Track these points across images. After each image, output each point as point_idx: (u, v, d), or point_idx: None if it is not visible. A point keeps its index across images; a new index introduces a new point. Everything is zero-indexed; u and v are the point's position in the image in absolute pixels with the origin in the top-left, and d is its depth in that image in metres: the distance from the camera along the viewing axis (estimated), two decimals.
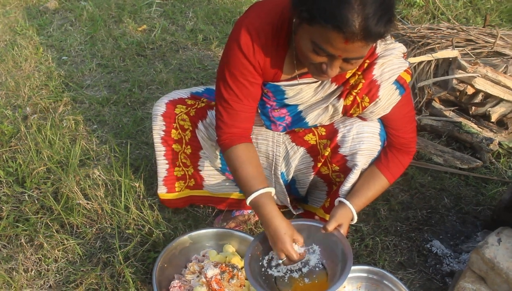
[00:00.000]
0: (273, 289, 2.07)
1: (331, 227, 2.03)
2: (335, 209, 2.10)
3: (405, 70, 1.97)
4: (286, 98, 2.07)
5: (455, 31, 3.95)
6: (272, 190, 2.05)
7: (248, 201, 2.02)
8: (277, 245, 1.98)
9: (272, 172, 2.36)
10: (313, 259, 2.11)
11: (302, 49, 1.73)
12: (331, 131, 2.18)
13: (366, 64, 1.94)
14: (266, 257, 2.12)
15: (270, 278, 2.09)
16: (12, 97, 3.71)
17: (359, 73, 1.95)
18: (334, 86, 2.01)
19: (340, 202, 2.12)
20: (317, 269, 2.09)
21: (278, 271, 2.10)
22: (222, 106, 2.05)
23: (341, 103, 2.02)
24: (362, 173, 2.18)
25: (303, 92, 2.03)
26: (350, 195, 2.15)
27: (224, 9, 5.17)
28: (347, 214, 2.08)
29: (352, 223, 2.13)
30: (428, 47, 3.67)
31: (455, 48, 3.56)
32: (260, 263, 2.12)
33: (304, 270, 2.09)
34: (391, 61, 1.94)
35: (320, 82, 2.00)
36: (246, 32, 1.87)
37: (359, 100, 1.98)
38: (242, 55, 1.91)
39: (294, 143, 2.29)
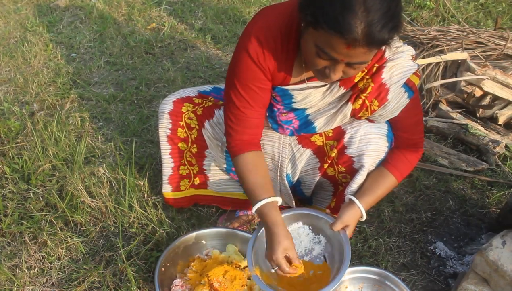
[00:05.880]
0: (271, 271, 2.10)
1: (336, 227, 2.06)
2: (343, 209, 2.11)
3: (414, 73, 1.97)
4: (294, 102, 2.07)
5: (465, 33, 3.92)
6: (278, 200, 2.06)
7: (254, 209, 2.04)
8: (268, 253, 1.99)
9: (278, 174, 2.36)
10: (317, 249, 2.15)
11: (306, 52, 1.74)
12: (338, 132, 2.18)
13: (375, 68, 1.94)
14: None
15: None
16: (20, 93, 3.73)
17: (368, 77, 1.96)
18: (342, 90, 2.01)
19: (349, 200, 2.13)
20: (317, 260, 2.13)
21: None
22: (232, 112, 2.05)
23: (349, 107, 2.02)
24: (369, 173, 2.17)
25: (311, 96, 2.03)
26: (359, 193, 2.14)
27: (234, 9, 5.17)
28: (355, 213, 2.09)
29: (362, 220, 2.14)
30: (437, 49, 3.65)
31: (465, 51, 3.55)
32: (266, 245, 2.14)
33: (306, 258, 2.13)
34: (400, 64, 1.94)
35: (328, 86, 2.00)
36: (255, 38, 1.87)
37: (368, 104, 1.98)
38: (252, 62, 1.91)
39: (300, 145, 2.28)
